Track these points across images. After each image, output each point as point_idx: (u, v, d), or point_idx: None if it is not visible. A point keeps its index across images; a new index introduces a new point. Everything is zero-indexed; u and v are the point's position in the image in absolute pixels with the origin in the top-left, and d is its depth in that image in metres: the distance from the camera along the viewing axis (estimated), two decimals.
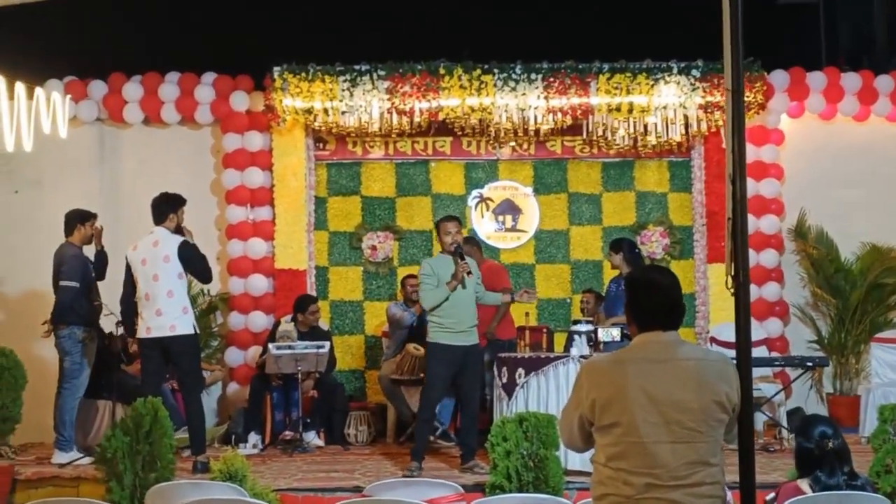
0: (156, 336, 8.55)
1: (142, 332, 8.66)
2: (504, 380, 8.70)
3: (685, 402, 3.84)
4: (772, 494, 5.39)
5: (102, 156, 11.72)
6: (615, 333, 8.29)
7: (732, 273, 4.09)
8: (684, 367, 3.91)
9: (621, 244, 9.69)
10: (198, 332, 8.77)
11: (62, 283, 9.04)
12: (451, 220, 8.87)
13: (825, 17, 16.92)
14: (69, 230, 9.28)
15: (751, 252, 11.15)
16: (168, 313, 8.52)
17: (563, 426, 4.17)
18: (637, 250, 9.90)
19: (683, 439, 3.83)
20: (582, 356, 8.36)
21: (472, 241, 10.60)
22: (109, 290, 9.38)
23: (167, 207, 8.74)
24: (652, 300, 4.02)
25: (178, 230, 8.76)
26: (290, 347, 9.91)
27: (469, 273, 8.61)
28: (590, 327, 8.84)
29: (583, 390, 3.99)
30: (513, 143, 11.72)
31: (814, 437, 5.33)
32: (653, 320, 4.00)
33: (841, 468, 5.26)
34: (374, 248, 11.72)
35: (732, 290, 4.09)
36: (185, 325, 8.57)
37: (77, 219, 9.29)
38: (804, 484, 5.34)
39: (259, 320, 11.26)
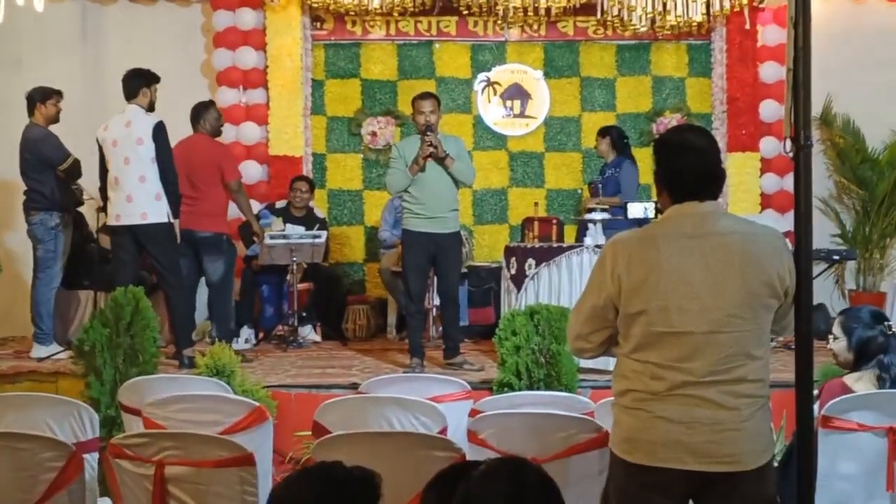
0: (125, 224, 7.97)
1: (111, 220, 8.09)
2: (513, 271, 8.16)
3: (727, 284, 3.28)
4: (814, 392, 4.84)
5: (85, 34, 11.00)
6: (648, 207, 7.73)
7: (791, 134, 3.47)
8: (726, 242, 3.34)
9: (610, 130, 9.45)
10: (173, 220, 8.11)
11: (31, 172, 8.52)
12: (426, 98, 8.12)
13: None
14: (30, 110, 8.66)
15: (773, 140, 10.69)
16: (139, 200, 7.90)
17: (575, 321, 3.58)
18: (626, 140, 9.58)
19: (724, 328, 3.28)
20: (597, 246, 7.80)
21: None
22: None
23: (138, 81, 8.10)
24: (687, 165, 3.43)
25: (152, 107, 8.14)
26: (284, 237, 9.34)
27: (431, 156, 7.87)
28: (605, 215, 8.28)
29: (607, 270, 3.42)
30: (521, 24, 11.02)
31: (871, 323, 4.80)
32: (688, 189, 3.43)
33: None
34: (374, 134, 11.10)
35: (791, 154, 3.47)
36: (157, 212, 7.94)
37: (37, 97, 8.64)
38: (858, 382, 4.81)
39: (252, 209, 10.65)
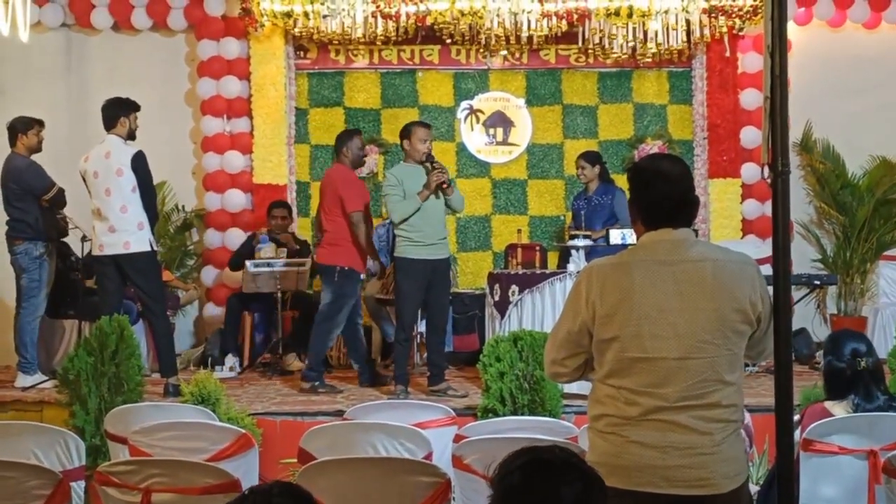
0: (109, 253, 8.00)
1: (95, 249, 8.14)
2: (496, 297, 8.21)
3: (699, 310, 3.32)
4: (796, 417, 4.88)
5: (69, 64, 11.05)
6: (626, 234, 7.77)
7: (769, 160, 3.52)
8: (699, 268, 3.38)
9: (601, 157, 9.48)
10: (155, 249, 8.19)
11: (15, 202, 8.54)
12: (424, 127, 8.28)
13: None
14: (12, 140, 8.68)
15: (754, 166, 10.77)
16: (122, 230, 7.94)
17: (551, 345, 3.63)
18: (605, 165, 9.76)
19: (696, 354, 3.31)
20: (580, 272, 7.84)
21: None
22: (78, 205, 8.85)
23: (116, 111, 8.14)
24: (661, 193, 3.47)
25: (132, 136, 8.16)
26: (268, 265, 9.36)
27: (445, 184, 8.00)
28: (587, 242, 8.33)
29: (581, 296, 3.46)
30: (504, 52, 11.10)
31: (845, 356, 4.81)
32: (662, 216, 3.47)
33: (877, 389, 4.76)
34: None
35: (769, 180, 3.53)
36: (140, 241, 7.98)
37: (18, 127, 8.68)
38: (836, 407, 4.84)
39: (236, 238, 10.65)
